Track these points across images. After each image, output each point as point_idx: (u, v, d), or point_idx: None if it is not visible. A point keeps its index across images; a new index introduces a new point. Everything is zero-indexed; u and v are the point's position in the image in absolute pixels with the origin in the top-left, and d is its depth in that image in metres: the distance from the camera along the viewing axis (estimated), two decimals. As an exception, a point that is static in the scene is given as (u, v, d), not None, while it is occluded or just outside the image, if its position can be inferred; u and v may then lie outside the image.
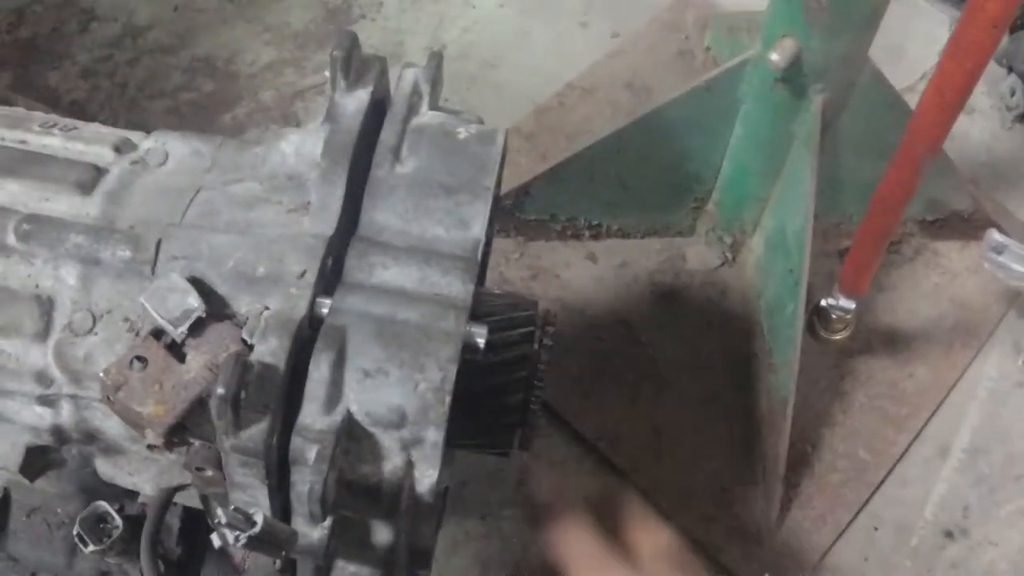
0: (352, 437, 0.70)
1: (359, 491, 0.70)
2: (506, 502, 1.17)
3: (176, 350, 0.72)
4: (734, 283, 1.29)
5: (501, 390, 0.81)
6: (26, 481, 0.86)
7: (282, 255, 0.74)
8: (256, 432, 0.67)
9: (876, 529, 1.19)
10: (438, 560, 0.86)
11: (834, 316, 1.16)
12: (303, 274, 0.74)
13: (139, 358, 0.72)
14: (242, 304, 0.74)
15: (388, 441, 0.70)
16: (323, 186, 0.77)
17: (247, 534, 0.66)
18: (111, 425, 0.78)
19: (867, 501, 1.20)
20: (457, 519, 1.15)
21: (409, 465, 0.70)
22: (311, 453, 0.67)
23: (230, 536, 0.65)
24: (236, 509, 0.66)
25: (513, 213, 1.27)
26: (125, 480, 0.83)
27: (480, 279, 0.96)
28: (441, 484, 0.72)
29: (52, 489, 0.90)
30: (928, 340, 1.29)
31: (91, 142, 0.83)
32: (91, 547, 0.84)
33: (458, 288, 0.73)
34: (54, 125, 0.87)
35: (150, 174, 0.81)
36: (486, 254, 0.91)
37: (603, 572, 0.79)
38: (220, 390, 0.65)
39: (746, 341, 1.24)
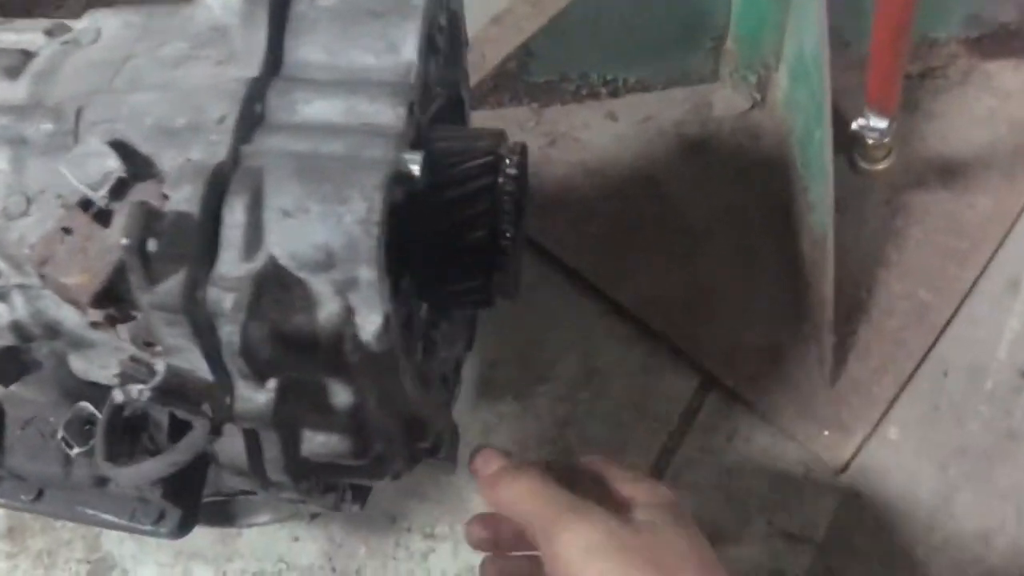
0: (282, 285, 0.64)
1: (295, 344, 0.64)
2: (539, 379, 1.10)
3: (105, 218, 0.67)
4: (766, 125, 1.18)
5: (464, 228, 0.73)
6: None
7: (202, 104, 0.70)
8: (173, 284, 0.61)
9: (945, 375, 1.09)
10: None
11: (870, 141, 1.06)
12: (223, 119, 0.68)
13: (65, 229, 0.68)
14: (166, 160, 0.69)
15: (320, 285, 0.64)
16: (244, 29, 0.72)
17: (149, 386, 0.61)
18: (67, 315, 0.75)
19: (932, 345, 1.09)
20: (488, 402, 1.09)
21: (348, 311, 0.64)
22: (228, 303, 0.61)
23: (133, 391, 0.61)
24: (133, 358, 0.61)
25: (520, 78, 1.19)
26: (98, 375, 0.79)
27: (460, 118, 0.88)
28: (387, 335, 0.65)
29: (42, 398, 0.88)
30: (987, 167, 1.17)
31: (23, 31, 0.80)
32: (76, 449, 0.81)
33: (388, 115, 0.67)
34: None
35: (81, 52, 0.77)
36: (454, 89, 0.84)
37: (577, 517, 0.71)
38: (124, 240, 0.60)
39: (783, 185, 1.14)
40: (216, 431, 0.65)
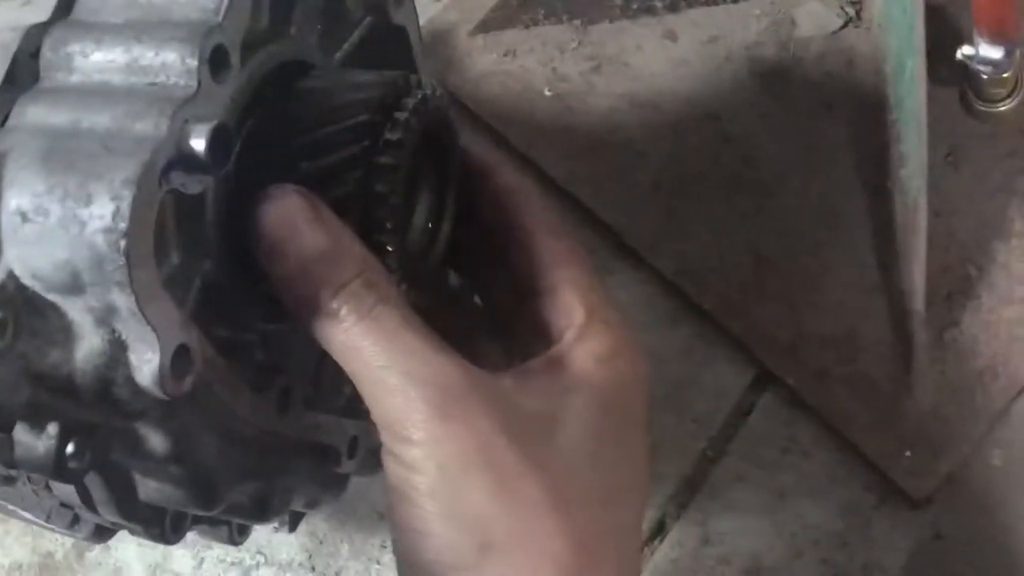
0: (35, 311, 0.48)
1: (55, 386, 0.48)
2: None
3: None
4: (862, 48, 0.95)
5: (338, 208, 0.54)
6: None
7: (-23, 61, 0.52)
8: None
9: (1076, 384, 0.87)
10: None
11: (984, 76, 0.82)
12: (-9, 81, 0.51)
13: None
14: (-65, 129, 0.52)
15: (76, 313, 0.47)
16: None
17: None
18: None
19: (1062, 346, 0.87)
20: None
21: (117, 347, 0.47)
22: (-52, 340, 0.46)
23: None
24: None
25: (553, -12, 0.99)
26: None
27: (403, 67, 0.69)
28: (178, 376, 0.48)
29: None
30: None
31: None
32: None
33: (176, 68, 0.48)
34: None
35: None
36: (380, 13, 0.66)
37: (449, 410, 0.50)
38: None
39: (879, 127, 0.91)
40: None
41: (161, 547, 0.94)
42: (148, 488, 0.58)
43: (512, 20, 1.01)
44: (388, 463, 0.52)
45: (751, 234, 0.92)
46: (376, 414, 0.51)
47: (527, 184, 0.59)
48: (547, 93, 0.98)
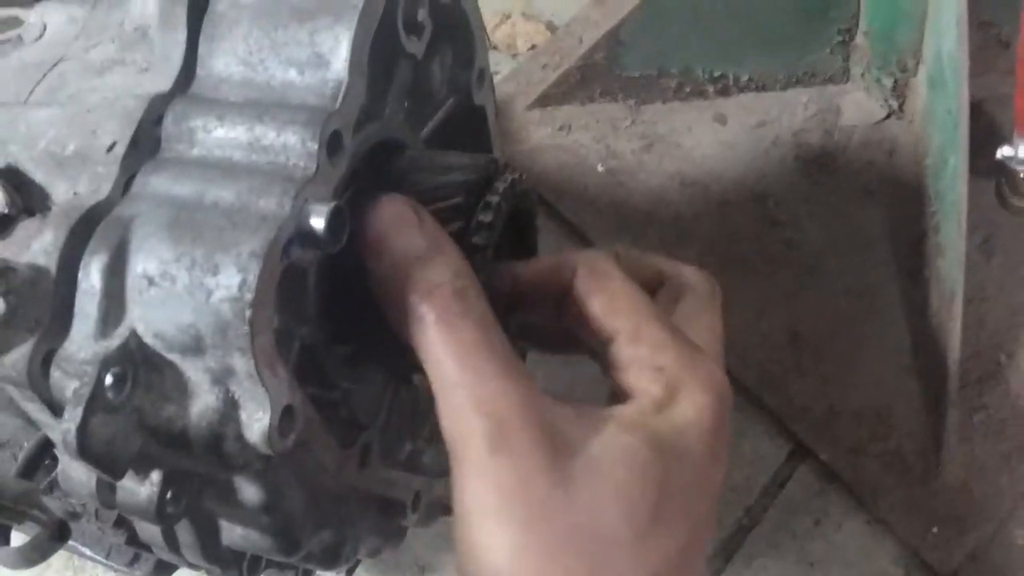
0: (153, 368, 0.51)
1: (167, 440, 0.51)
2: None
3: (-9, 258, 0.56)
4: (903, 139, 0.98)
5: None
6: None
7: (96, 126, 0.56)
8: (18, 357, 0.50)
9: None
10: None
11: (1022, 174, 0.85)
12: (112, 147, 0.55)
13: (-57, 271, 0.57)
14: (59, 192, 0.56)
15: (193, 372, 0.50)
16: (162, 32, 0.58)
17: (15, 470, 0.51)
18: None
19: (1089, 431, 0.89)
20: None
21: (229, 404, 0.51)
22: (69, 391, 0.49)
23: None
24: None
25: (611, 70, 1.01)
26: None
27: (479, 143, 0.73)
28: (284, 434, 0.51)
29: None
30: None
31: None
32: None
33: (297, 150, 0.52)
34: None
35: (18, 52, 0.66)
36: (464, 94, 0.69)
37: (502, 441, 0.49)
38: None
39: (917, 215, 0.94)
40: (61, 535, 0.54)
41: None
42: (233, 534, 0.60)
43: (569, 96, 1.04)
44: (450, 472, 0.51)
45: (791, 312, 0.94)
46: (442, 424, 0.51)
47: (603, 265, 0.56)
48: (600, 169, 1.01)
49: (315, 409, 0.56)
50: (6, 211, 0.55)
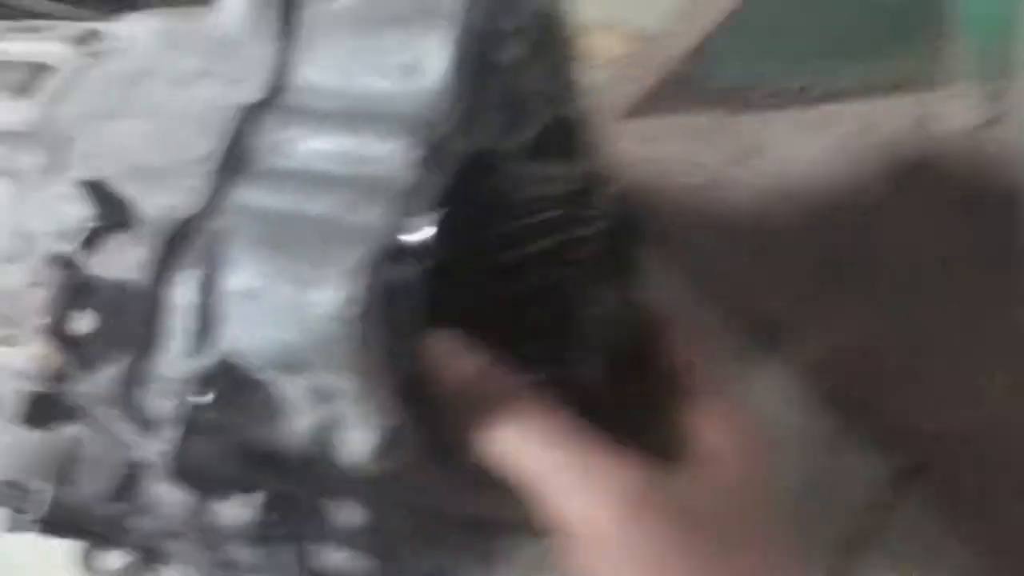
0: (249, 386, 0.50)
1: (265, 460, 0.50)
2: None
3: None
4: (1005, 146, 0.94)
5: (524, 300, 0.56)
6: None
7: (186, 138, 0.56)
8: (107, 377, 0.49)
9: None
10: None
11: None
12: (205, 159, 0.54)
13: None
14: (149, 206, 0.56)
15: (292, 391, 0.49)
16: (251, 42, 0.57)
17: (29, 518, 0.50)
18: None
19: None
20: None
21: (331, 424, 0.49)
22: (162, 411, 0.48)
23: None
24: (11, 482, 0.50)
25: (700, 81, 1.00)
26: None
27: (569, 151, 0.71)
28: (389, 453, 0.50)
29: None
30: None
31: (46, 39, 0.69)
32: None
33: (394, 162, 0.50)
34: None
35: (103, 65, 0.65)
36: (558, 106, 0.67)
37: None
38: (40, 319, 0.48)
39: (1020, 224, 0.90)
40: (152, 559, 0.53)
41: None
42: (331, 556, 0.59)
43: (657, 107, 1.02)
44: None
45: (895, 325, 0.91)
46: (555, 515, 0.51)
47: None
48: (688, 181, 0.99)
49: (422, 429, 0.54)
50: (95, 226, 0.54)
